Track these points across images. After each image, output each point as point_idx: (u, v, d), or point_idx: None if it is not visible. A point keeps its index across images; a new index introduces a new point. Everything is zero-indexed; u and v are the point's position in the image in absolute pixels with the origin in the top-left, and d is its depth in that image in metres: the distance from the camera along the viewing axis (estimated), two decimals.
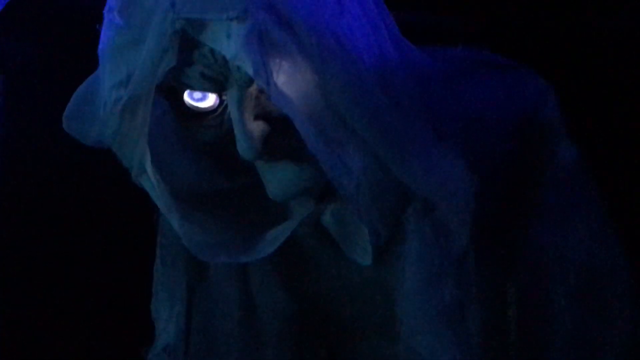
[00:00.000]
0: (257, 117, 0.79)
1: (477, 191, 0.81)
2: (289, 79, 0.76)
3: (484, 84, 0.88)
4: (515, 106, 0.87)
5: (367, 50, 0.79)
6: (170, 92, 0.81)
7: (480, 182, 0.81)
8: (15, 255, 1.22)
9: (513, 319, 0.85)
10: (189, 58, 0.77)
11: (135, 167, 0.82)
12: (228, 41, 0.74)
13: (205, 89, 0.79)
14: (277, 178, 0.82)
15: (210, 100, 0.80)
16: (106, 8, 0.80)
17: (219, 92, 0.80)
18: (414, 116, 0.81)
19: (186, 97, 0.80)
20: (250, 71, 0.74)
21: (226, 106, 0.80)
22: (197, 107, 0.81)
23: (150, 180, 0.82)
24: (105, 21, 0.80)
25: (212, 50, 0.76)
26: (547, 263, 0.85)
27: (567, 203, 0.85)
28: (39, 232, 1.22)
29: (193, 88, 0.79)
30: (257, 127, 0.79)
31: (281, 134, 0.79)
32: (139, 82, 0.77)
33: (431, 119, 0.83)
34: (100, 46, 0.81)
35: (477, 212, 0.82)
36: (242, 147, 0.78)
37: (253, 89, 0.78)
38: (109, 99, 0.79)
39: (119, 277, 1.19)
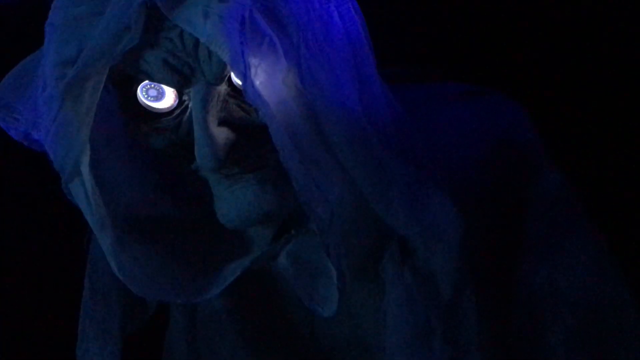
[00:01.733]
0: (222, 123, 0.69)
1: (463, 231, 0.73)
2: (268, 80, 0.66)
3: (454, 115, 0.81)
4: (488, 133, 0.79)
5: (352, 76, 0.71)
6: (123, 83, 0.70)
7: (465, 219, 0.74)
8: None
9: None
10: (153, 40, 0.67)
11: (69, 167, 0.69)
12: (204, 21, 0.64)
13: (165, 81, 0.69)
14: (235, 199, 0.71)
15: (167, 100, 0.70)
16: None
17: (180, 89, 0.69)
18: (398, 151, 0.73)
19: (139, 94, 0.70)
20: (226, 57, 0.64)
21: (184, 109, 0.70)
22: (151, 107, 0.70)
23: (82, 187, 0.70)
24: None
25: (181, 34, 0.66)
26: (541, 302, 0.76)
27: (555, 233, 0.77)
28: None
29: (151, 78, 0.69)
30: (221, 133, 0.69)
31: (246, 147, 0.70)
32: (91, 58, 0.66)
33: (411, 156, 0.75)
34: (49, 19, 0.70)
35: (463, 254, 0.74)
36: (202, 153, 0.68)
37: (222, 89, 0.69)
38: (50, 79, 0.68)
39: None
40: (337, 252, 0.70)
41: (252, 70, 0.65)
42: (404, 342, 0.74)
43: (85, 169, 0.69)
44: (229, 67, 0.67)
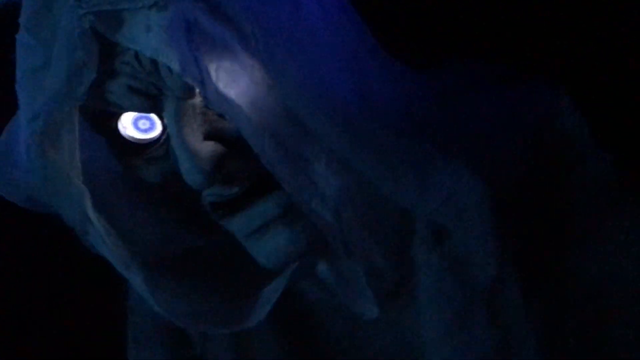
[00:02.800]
0: (207, 137, 0.66)
1: (496, 213, 0.69)
2: (233, 79, 0.63)
3: (492, 100, 0.76)
4: (528, 118, 0.75)
5: (339, 59, 0.67)
6: (99, 119, 0.68)
7: (500, 200, 0.69)
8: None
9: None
10: (110, 69, 0.64)
11: (78, 216, 0.68)
12: (147, 35, 0.62)
13: (136, 107, 0.66)
14: (267, 251, 0.69)
15: (155, 131, 0.67)
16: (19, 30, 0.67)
17: (156, 112, 0.67)
18: (403, 130, 0.69)
19: (121, 127, 0.68)
20: (176, 67, 0.61)
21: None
22: (135, 139, 0.68)
23: (98, 232, 0.68)
24: (17, 45, 0.67)
25: (136, 55, 0.63)
26: (601, 293, 0.72)
27: (607, 220, 0.72)
28: None
29: (121, 107, 0.66)
30: (205, 147, 0.65)
31: (240, 159, 0.66)
32: (55, 106, 0.64)
33: (427, 138, 0.70)
34: (16, 78, 0.68)
35: (503, 235, 0.69)
36: (186, 170, 0.65)
37: (196, 101, 0.66)
38: (26, 137, 0.67)
39: None
40: (363, 249, 0.67)
41: (212, 74, 0.62)
42: (443, 330, 0.70)
43: (92, 213, 0.68)
44: None
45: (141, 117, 0.67)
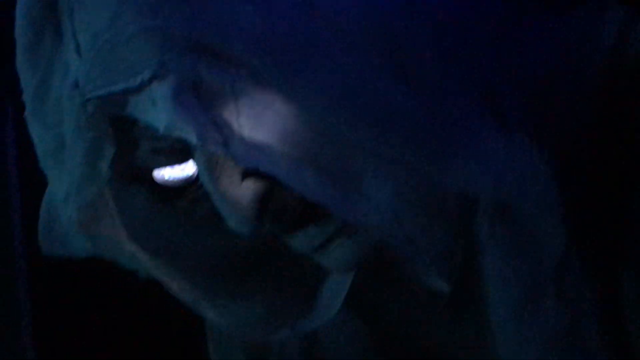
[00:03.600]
0: (246, 176, 0.61)
1: (560, 179, 0.64)
2: (256, 122, 0.59)
3: (545, 27, 0.69)
4: (591, 48, 0.67)
5: (359, 49, 0.61)
6: (135, 178, 0.66)
7: (563, 164, 0.64)
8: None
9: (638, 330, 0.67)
10: (129, 137, 0.62)
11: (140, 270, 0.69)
12: (155, 109, 0.58)
13: (167, 164, 0.64)
14: (334, 261, 0.65)
15: (186, 169, 0.64)
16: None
17: (188, 158, 0.64)
18: (452, 95, 0.63)
19: (156, 174, 0.65)
20: (194, 139, 0.57)
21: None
22: (171, 182, 0.65)
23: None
24: (29, 129, 0.66)
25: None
26: None
27: None
28: None
29: (152, 168, 0.64)
30: (246, 190, 0.61)
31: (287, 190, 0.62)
32: (80, 185, 0.63)
33: (478, 90, 0.64)
34: (39, 159, 0.67)
35: (568, 203, 0.64)
36: (232, 222, 0.62)
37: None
38: (64, 219, 0.66)
39: None
40: (424, 240, 0.64)
41: (234, 126, 0.58)
42: (512, 307, 0.67)
43: (148, 261, 0.67)
44: None
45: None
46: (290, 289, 0.70)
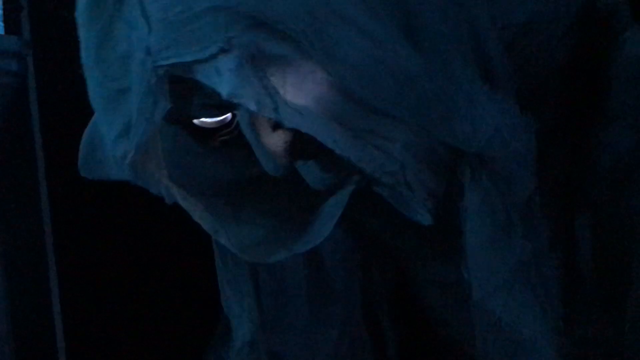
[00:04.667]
0: (276, 127, 0.70)
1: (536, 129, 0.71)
2: (299, 89, 0.67)
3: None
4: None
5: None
6: (179, 120, 0.74)
7: (537, 118, 0.71)
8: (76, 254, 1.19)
9: (588, 262, 0.75)
10: (185, 94, 0.69)
11: (166, 196, 0.76)
12: (220, 78, 0.65)
13: (212, 117, 0.72)
14: (316, 177, 0.73)
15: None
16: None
17: (231, 111, 0.72)
18: (454, 61, 0.70)
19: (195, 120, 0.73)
20: (252, 107, 0.65)
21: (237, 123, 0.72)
22: (206, 124, 0.73)
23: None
24: (85, 74, 0.72)
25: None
26: (626, 168, 0.73)
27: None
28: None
29: (196, 117, 0.72)
30: (278, 140, 0.71)
31: (310, 138, 0.70)
32: (138, 135, 0.69)
33: (474, 54, 0.71)
34: (90, 97, 0.73)
35: (537, 154, 0.72)
36: (268, 168, 0.72)
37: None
38: (115, 153, 0.72)
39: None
40: (419, 183, 0.72)
41: (281, 91, 0.66)
42: (485, 239, 0.74)
43: (179, 196, 0.75)
44: None
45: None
46: (287, 214, 0.77)
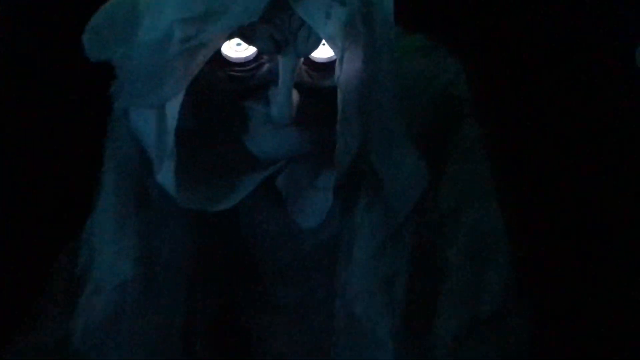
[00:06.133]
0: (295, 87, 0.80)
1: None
2: (352, 65, 0.78)
3: (414, 66, 0.94)
4: (435, 81, 0.93)
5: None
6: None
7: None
8: None
9: (415, 275, 0.88)
10: (267, 17, 0.76)
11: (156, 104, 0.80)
12: (325, 21, 0.74)
13: (263, 49, 0.79)
14: (279, 141, 0.83)
15: (250, 50, 0.80)
16: None
17: (273, 54, 0.79)
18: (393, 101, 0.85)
19: (226, 44, 0.79)
20: (338, 54, 0.75)
21: (259, 65, 0.80)
22: (230, 57, 0.80)
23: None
24: None
25: (291, 16, 0.76)
26: (445, 225, 0.90)
27: (466, 173, 0.91)
28: None
29: (252, 43, 0.79)
30: (295, 96, 0.80)
31: (307, 105, 0.81)
32: (221, 29, 0.75)
33: (405, 123, 0.87)
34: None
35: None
36: (282, 113, 0.78)
37: (301, 60, 0.80)
38: (170, 33, 0.76)
39: None
40: (340, 182, 0.82)
41: (346, 56, 0.76)
42: (367, 256, 0.85)
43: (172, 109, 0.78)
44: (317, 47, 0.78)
45: (239, 43, 0.80)
46: (217, 171, 0.85)
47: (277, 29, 0.77)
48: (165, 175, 0.80)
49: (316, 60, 0.82)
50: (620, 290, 1.03)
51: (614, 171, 1.06)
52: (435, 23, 1.06)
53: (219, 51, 0.80)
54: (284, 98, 0.79)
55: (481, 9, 1.09)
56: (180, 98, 0.79)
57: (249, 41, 0.79)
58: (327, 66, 0.82)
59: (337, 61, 0.76)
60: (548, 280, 1.01)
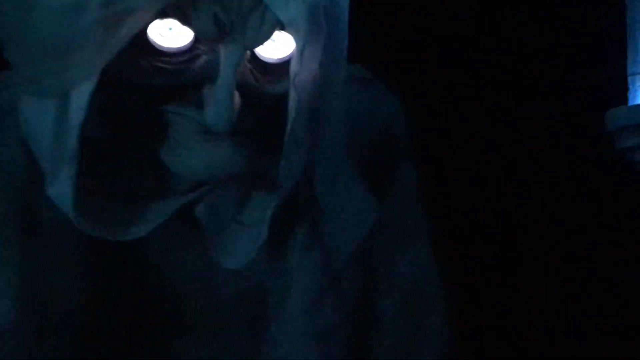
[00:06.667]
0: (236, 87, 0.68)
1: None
2: (306, 63, 0.68)
3: (355, 96, 0.87)
4: (374, 118, 0.88)
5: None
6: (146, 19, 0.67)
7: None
8: None
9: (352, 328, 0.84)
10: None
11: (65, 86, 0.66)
12: (287, 2, 0.64)
13: (203, 32, 0.66)
14: (207, 154, 0.70)
15: (178, 39, 0.67)
16: None
17: (211, 41, 0.67)
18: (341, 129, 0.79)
19: (151, 29, 0.66)
20: (300, 41, 0.65)
21: (194, 57, 0.68)
22: (159, 45, 0.67)
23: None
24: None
25: None
26: (381, 275, 0.86)
27: (403, 221, 0.88)
28: None
29: (190, 25, 0.66)
30: (236, 99, 0.68)
31: (245, 112, 0.69)
32: None
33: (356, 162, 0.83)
34: None
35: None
36: (219, 115, 0.66)
37: (248, 54, 0.69)
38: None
39: None
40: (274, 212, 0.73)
41: (306, 52, 0.67)
42: (303, 304, 0.79)
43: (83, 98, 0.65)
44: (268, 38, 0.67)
45: (170, 28, 0.67)
46: (122, 193, 0.72)
47: (224, 7, 0.65)
48: (61, 188, 0.66)
49: (265, 60, 0.70)
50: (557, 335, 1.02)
51: (551, 216, 1.05)
52: (373, 55, 1.01)
53: (144, 35, 0.66)
54: (224, 98, 0.66)
55: (423, 46, 1.07)
56: (91, 85, 0.64)
57: (185, 21, 0.66)
58: (276, 69, 0.70)
59: (296, 54, 0.66)
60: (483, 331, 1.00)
